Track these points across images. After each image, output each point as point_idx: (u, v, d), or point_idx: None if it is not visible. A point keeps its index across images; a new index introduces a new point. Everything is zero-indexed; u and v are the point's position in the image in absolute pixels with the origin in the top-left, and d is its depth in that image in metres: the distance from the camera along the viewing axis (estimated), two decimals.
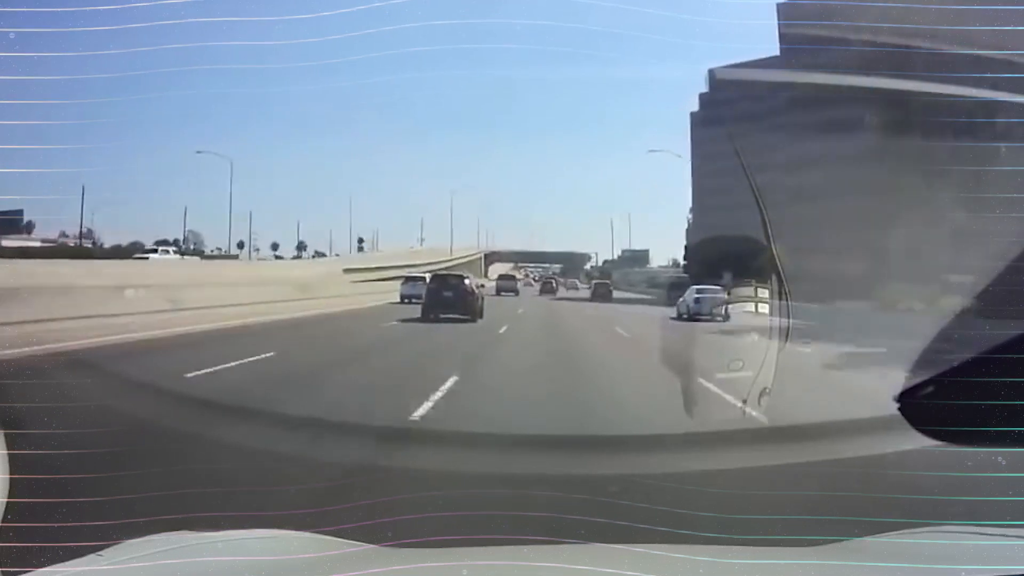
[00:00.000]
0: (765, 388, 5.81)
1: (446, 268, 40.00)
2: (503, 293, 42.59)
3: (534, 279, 59.10)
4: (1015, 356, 4.59)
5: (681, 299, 25.56)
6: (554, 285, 47.92)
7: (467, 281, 24.28)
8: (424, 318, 22.26)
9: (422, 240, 52.58)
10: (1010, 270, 5.23)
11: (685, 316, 23.65)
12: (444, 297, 23.06)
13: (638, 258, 61.17)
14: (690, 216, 48.81)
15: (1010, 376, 4.20)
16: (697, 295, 23.97)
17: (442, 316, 22.24)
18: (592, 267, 66.95)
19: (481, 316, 23.42)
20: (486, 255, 61.90)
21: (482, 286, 29.11)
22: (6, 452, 3.58)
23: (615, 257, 63.30)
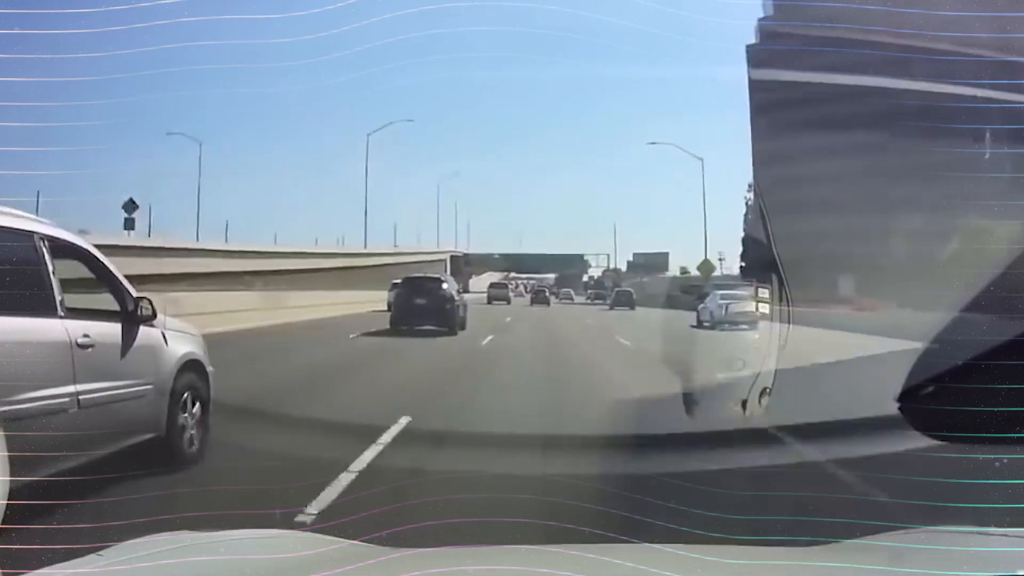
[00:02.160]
0: (765, 388, 5.81)
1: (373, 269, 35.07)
2: (495, 302, 39.32)
3: (525, 289, 53.17)
4: (1017, 358, 4.59)
5: (702, 305, 22.83)
6: (546, 295, 44.23)
7: (445, 285, 20.51)
8: (393, 328, 19.00)
9: (395, 242, 45.58)
10: None
11: (708, 324, 21.16)
12: (417, 305, 19.38)
13: (654, 264, 52.32)
14: (749, 196, 43.06)
15: (1012, 377, 4.20)
16: (722, 300, 21.21)
17: (417, 328, 18.78)
18: (590, 278, 57.50)
19: (463, 328, 19.97)
20: (454, 257, 52.17)
21: (462, 291, 24.67)
22: (6, 454, 3.58)
23: (616, 266, 54.27)
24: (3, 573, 2.51)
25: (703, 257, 34.07)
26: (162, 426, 5.38)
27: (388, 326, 19.09)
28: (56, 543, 2.59)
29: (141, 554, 2.17)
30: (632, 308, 35.92)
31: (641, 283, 46.92)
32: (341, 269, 35.65)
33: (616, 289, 41.84)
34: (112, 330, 5.08)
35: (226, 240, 29.45)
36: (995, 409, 4.13)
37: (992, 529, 2.52)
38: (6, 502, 3.55)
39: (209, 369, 6.12)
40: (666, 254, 51.75)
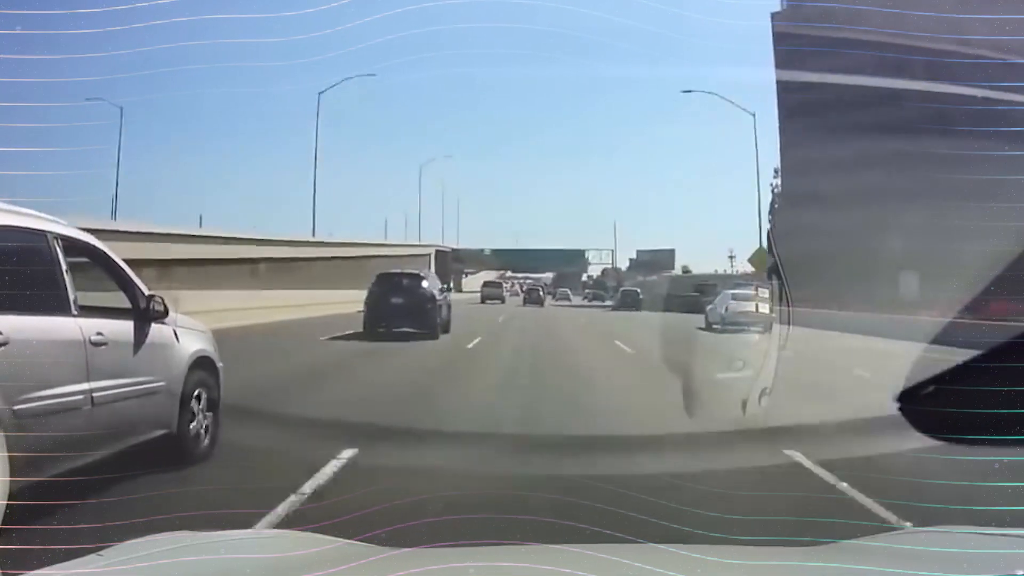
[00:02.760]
0: (765, 388, 5.82)
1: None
2: (488, 301, 37.78)
3: (521, 288, 49.81)
4: (1017, 359, 4.60)
5: (711, 306, 21.19)
6: (540, 294, 41.49)
7: (425, 283, 18.19)
8: (368, 332, 17.17)
9: (386, 236, 43.89)
10: None
11: (717, 327, 19.62)
12: (393, 305, 17.45)
13: (658, 261, 48.87)
14: (776, 183, 33.92)
15: (1012, 377, 4.21)
16: (734, 300, 19.67)
17: (395, 330, 17.23)
18: (589, 277, 54.27)
19: (447, 330, 18.29)
20: (440, 253, 47.89)
21: (447, 289, 22.46)
22: (6, 454, 3.58)
23: (617, 264, 50.80)
24: (3, 573, 2.51)
25: (755, 246, 29.01)
26: (173, 423, 5.44)
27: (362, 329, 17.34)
28: (56, 543, 2.59)
29: (141, 554, 2.17)
30: (638, 309, 33.82)
31: (645, 282, 43.60)
32: (305, 260, 32.34)
33: (621, 289, 39.25)
34: (125, 328, 5.12)
35: (200, 225, 27.88)
36: (994, 411, 4.13)
37: (991, 530, 2.52)
38: (6, 502, 3.55)
39: (219, 365, 6.18)
40: (672, 251, 49.33)
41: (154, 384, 5.29)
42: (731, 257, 45.02)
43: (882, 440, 5.89)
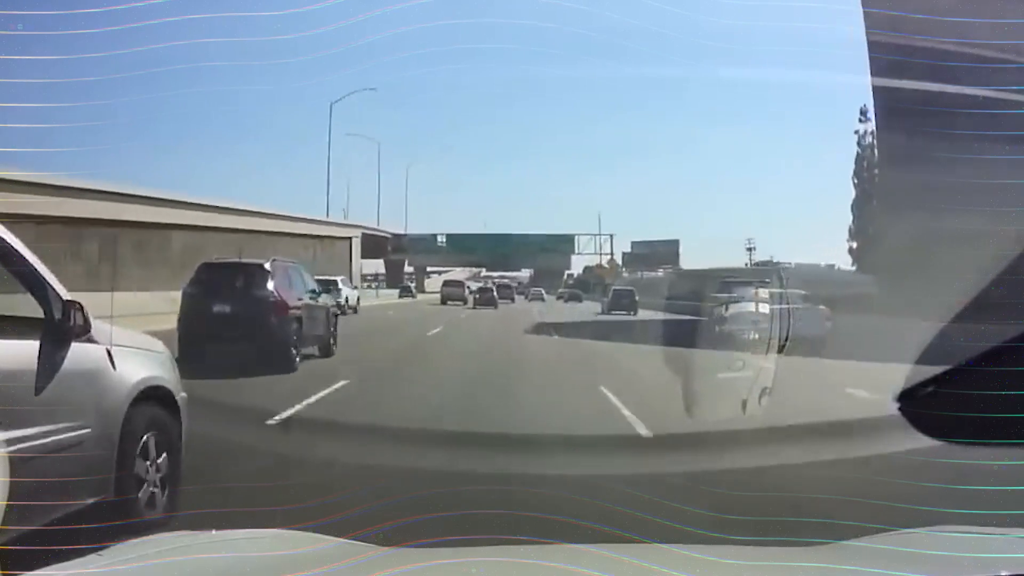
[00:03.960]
0: (765, 388, 5.82)
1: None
2: (450, 302, 33.99)
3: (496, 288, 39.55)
4: (1017, 359, 4.60)
5: (724, 312, 15.14)
6: (493, 295, 34.19)
7: (270, 283, 11.55)
8: (184, 358, 8.83)
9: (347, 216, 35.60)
10: None
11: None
12: (216, 316, 11.14)
13: (659, 254, 41.56)
14: (865, 128, 23.25)
15: (1011, 378, 4.21)
16: (759, 305, 13.09)
17: (229, 363, 10.53)
18: (569, 275, 47.06)
19: (330, 354, 12.84)
20: (375, 239, 39.33)
21: (338, 287, 15.98)
22: (6, 454, 3.58)
23: (611, 256, 42.67)
24: (3, 573, 2.51)
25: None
26: (109, 485, 3.86)
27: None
28: (56, 543, 2.59)
29: (141, 554, 2.18)
30: (634, 313, 27.79)
31: (642, 279, 37.48)
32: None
33: (613, 288, 32.22)
34: (22, 350, 3.53)
35: None
36: (996, 414, 4.14)
37: (992, 530, 2.52)
38: (6, 502, 3.55)
39: (181, 395, 4.64)
40: (675, 241, 41.87)
41: (75, 432, 3.69)
42: (750, 249, 36.83)
43: (882, 439, 5.89)
